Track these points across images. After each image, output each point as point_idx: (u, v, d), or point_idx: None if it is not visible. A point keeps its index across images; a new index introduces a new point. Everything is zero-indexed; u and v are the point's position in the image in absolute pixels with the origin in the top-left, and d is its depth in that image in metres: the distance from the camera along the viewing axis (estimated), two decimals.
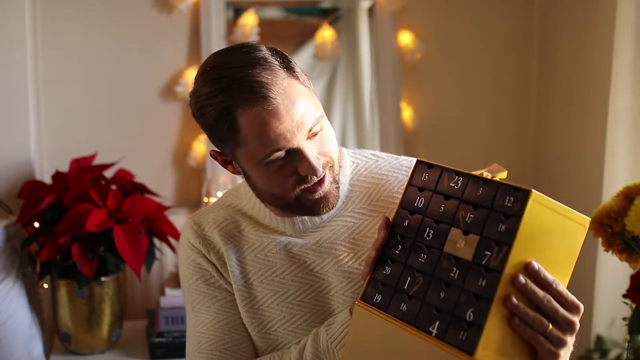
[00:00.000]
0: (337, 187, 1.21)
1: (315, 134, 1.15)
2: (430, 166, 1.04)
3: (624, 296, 0.94)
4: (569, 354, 0.98)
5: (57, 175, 2.14)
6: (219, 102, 1.11)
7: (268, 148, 1.11)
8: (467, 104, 2.63)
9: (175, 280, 2.21)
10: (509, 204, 0.92)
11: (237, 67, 1.11)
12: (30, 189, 2.11)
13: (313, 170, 1.13)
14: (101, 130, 2.44)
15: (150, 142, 2.47)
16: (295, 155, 1.13)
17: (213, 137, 1.18)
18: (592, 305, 1.98)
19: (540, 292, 0.92)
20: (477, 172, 1.00)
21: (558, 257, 0.96)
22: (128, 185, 2.13)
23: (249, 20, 2.47)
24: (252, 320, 1.23)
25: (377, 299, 1.01)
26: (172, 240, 2.09)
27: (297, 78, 1.15)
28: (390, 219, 1.06)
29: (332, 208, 1.21)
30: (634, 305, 0.93)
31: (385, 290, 1.01)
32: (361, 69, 2.63)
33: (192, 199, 2.50)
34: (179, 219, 2.28)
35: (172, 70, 2.46)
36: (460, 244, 0.95)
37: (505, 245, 0.90)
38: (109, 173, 2.21)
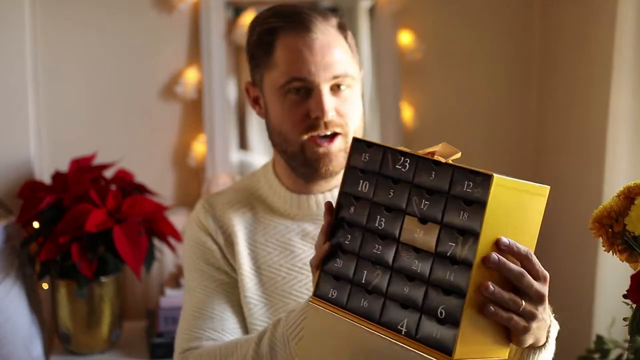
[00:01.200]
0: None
1: (339, 86, 1.20)
2: (369, 145, 0.95)
3: (624, 296, 0.94)
4: (544, 326, 0.94)
5: (57, 175, 2.14)
6: (268, 22, 1.23)
7: (290, 74, 1.19)
8: (467, 103, 2.63)
9: (175, 281, 2.21)
10: (468, 190, 0.85)
11: (300, 7, 1.26)
12: (30, 189, 2.10)
13: (322, 111, 1.17)
14: (101, 130, 2.44)
15: (150, 142, 2.46)
16: (312, 96, 1.18)
17: (252, 62, 1.27)
18: (592, 305, 1.97)
19: (516, 269, 0.87)
20: (422, 152, 0.93)
21: (524, 230, 0.89)
22: (128, 185, 2.13)
23: (249, 20, 2.47)
24: (258, 304, 1.23)
25: (332, 294, 0.93)
26: (172, 240, 2.09)
27: (345, 37, 1.24)
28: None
29: (334, 174, 1.23)
30: (634, 306, 0.93)
31: (340, 284, 0.93)
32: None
33: (192, 199, 2.50)
34: (179, 219, 2.28)
35: (172, 70, 2.46)
36: (419, 234, 0.87)
37: (471, 235, 0.83)
38: (108, 173, 2.21)
